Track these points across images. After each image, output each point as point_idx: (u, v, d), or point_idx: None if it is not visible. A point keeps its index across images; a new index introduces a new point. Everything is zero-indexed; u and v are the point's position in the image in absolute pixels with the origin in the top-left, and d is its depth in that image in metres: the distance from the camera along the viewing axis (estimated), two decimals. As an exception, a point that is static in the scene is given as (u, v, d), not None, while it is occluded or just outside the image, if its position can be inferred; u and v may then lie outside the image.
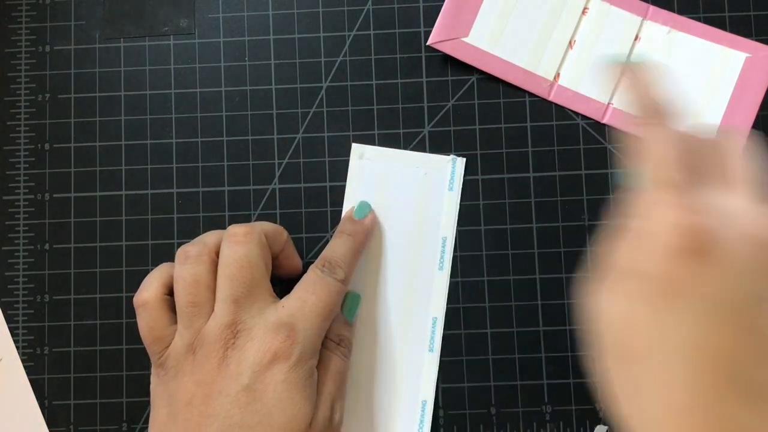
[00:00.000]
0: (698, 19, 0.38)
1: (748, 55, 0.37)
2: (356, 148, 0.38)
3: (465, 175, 0.38)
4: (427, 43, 0.38)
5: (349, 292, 0.36)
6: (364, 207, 0.37)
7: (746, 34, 0.38)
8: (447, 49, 0.38)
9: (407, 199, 0.37)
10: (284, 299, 0.32)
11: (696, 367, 0.21)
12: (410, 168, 0.37)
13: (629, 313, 0.22)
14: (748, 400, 0.20)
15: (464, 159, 0.38)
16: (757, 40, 0.38)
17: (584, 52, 0.38)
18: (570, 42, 0.38)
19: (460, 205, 0.38)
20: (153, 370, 0.32)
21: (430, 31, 0.38)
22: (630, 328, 0.22)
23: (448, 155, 0.37)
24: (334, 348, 0.33)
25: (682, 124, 0.24)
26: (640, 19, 0.38)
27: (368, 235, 0.36)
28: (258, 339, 0.30)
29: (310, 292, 0.32)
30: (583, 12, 0.38)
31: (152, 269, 0.38)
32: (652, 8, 0.38)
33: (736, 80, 0.37)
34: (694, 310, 0.21)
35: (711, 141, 0.24)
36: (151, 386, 0.32)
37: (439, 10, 0.38)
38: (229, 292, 0.30)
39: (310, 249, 0.38)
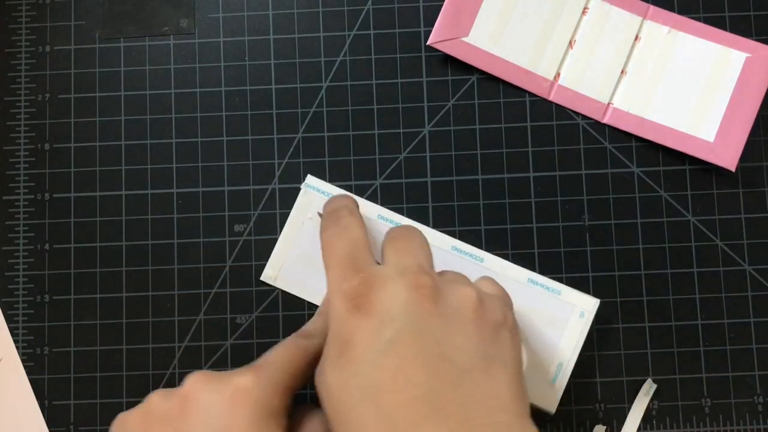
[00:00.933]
0: (698, 19, 0.38)
1: (748, 55, 0.37)
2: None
3: (465, 174, 0.38)
4: (427, 43, 0.38)
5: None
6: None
7: (746, 34, 0.38)
8: (447, 49, 0.38)
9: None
10: None
11: (383, 405, 0.25)
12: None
13: (334, 379, 0.26)
14: (439, 421, 0.24)
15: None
16: (757, 40, 0.38)
17: (585, 52, 0.38)
18: (570, 42, 0.38)
19: (460, 204, 0.38)
20: None
21: (430, 31, 0.38)
22: (336, 392, 0.26)
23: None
24: (300, 338, 0.33)
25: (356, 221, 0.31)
26: (640, 18, 0.38)
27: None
28: (224, 375, 0.30)
29: (292, 347, 0.31)
30: (583, 12, 0.38)
31: (151, 269, 0.38)
32: (652, 8, 0.38)
33: (736, 80, 0.37)
34: (365, 355, 0.26)
35: (386, 234, 0.31)
36: None
37: (439, 10, 0.38)
38: None
39: (310, 249, 0.38)
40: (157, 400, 0.28)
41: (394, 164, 0.38)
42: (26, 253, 0.38)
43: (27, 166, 0.39)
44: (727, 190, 0.38)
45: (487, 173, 0.38)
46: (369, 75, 0.39)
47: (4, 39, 0.40)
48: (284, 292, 0.38)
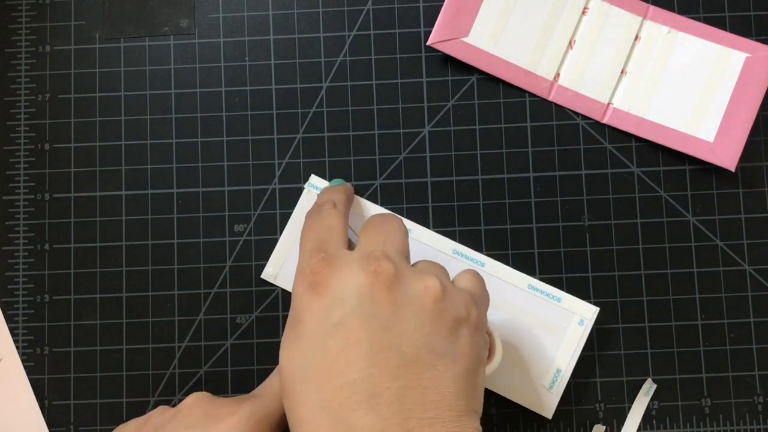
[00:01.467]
0: (698, 19, 0.38)
1: (748, 55, 0.37)
2: None
3: (465, 174, 0.38)
4: (427, 43, 0.38)
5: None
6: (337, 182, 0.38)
7: (746, 34, 0.38)
8: (447, 49, 0.38)
9: None
10: None
11: (321, 386, 0.25)
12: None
13: (284, 353, 0.27)
14: (372, 408, 0.24)
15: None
16: (757, 40, 0.38)
17: (584, 52, 0.38)
18: (570, 42, 0.38)
19: (460, 205, 0.38)
20: None
21: (430, 31, 0.38)
22: (285, 367, 0.27)
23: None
24: None
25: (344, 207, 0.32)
26: (640, 19, 0.38)
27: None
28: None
29: (276, 375, 0.33)
30: (583, 12, 0.38)
31: (151, 269, 0.38)
32: (652, 8, 0.38)
33: (736, 80, 0.37)
34: (312, 333, 0.26)
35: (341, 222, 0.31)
36: None
37: (439, 10, 0.38)
38: None
39: (310, 249, 0.38)
40: (157, 412, 0.31)
41: (394, 164, 0.38)
42: (26, 253, 0.38)
43: (27, 166, 0.39)
44: (727, 190, 0.38)
45: (487, 173, 0.38)
46: (369, 75, 0.39)
47: (4, 39, 0.40)
48: (284, 292, 0.38)
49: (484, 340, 0.28)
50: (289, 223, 0.38)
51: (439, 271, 0.29)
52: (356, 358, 0.25)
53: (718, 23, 0.38)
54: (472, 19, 0.38)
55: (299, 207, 0.38)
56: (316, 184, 0.38)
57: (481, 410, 0.27)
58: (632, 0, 0.38)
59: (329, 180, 0.38)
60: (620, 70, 0.38)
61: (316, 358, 0.25)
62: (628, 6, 0.38)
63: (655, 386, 0.36)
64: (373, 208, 0.37)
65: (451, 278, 0.30)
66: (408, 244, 0.30)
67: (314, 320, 0.26)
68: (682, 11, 0.38)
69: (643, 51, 0.38)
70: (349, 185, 0.36)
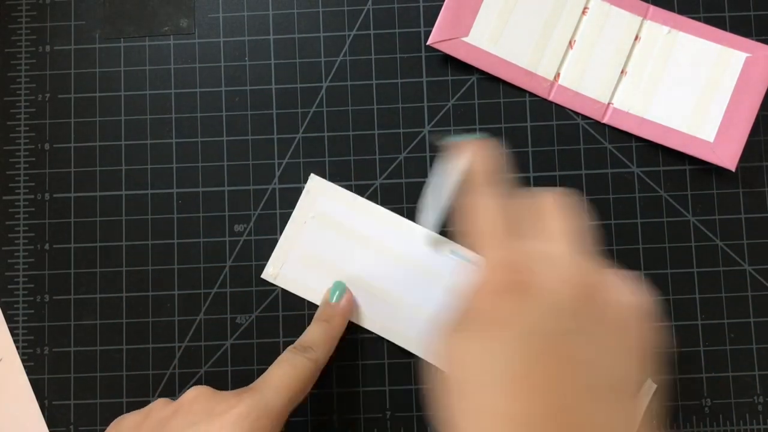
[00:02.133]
0: (698, 19, 0.38)
1: (748, 55, 0.37)
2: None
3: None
4: (427, 43, 0.38)
5: (336, 281, 0.37)
6: (338, 287, 0.37)
7: (746, 34, 0.38)
8: (447, 48, 0.38)
9: None
10: None
11: (517, 398, 0.22)
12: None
13: (466, 351, 0.24)
14: (564, 429, 0.21)
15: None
16: (757, 40, 0.38)
17: (584, 52, 0.38)
18: (570, 42, 0.38)
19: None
20: None
21: (430, 31, 0.38)
22: (466, 363, 0.23)
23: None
24: (298, 352, 0.33)
25: (506, 191, 0.27)
26: (640, 18, 0.38)
27: (345, 317, 0.36)
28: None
29: (276, 367, 0.32)
30: (583, 12, 0.38)
31: (151, 269, 0.38)
32: (652, 8, 0.38)
33: (736, 80, 0.37)
34: (514, 341, 0.22)
35: (531, 202, 0.26)
36: None
37: (439, 10, 0.38)
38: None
39: (310, 249, 0.38)
40: (158, 406, 0.30)
41: (394, 164, 0.38)
42: (26, 253, 0.38)
43: (27, 166, 0.39)
44: (727, 190, 0.38)
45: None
46: (369, 75, 0.39)
47: (4, 39, 0.40)
48: (284, 292, 0.38)
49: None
50: (289, 222, 0.38)
51: (631, 284, 0.25)
52: (543, 381, 0.22)
53: (718, 23, 0.38)
54: (472, 19, 0.38)
55: (299, 208, 0.38)
56: (315, 184, 0.38)
57: None
58: (632, 0, 0.38)
59: (328, 180, 0.38)
60: (620, 70, 0.38)
61: (504, 367, 0.22)
62: (628, 6, 0.38)
63: (655, 386, 0.36)
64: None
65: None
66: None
67: (518, 326, 0.22)
68: (682, 11, 0.38)
69: (643, 51, 0.38)
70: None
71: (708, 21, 0.38)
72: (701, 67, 0.37)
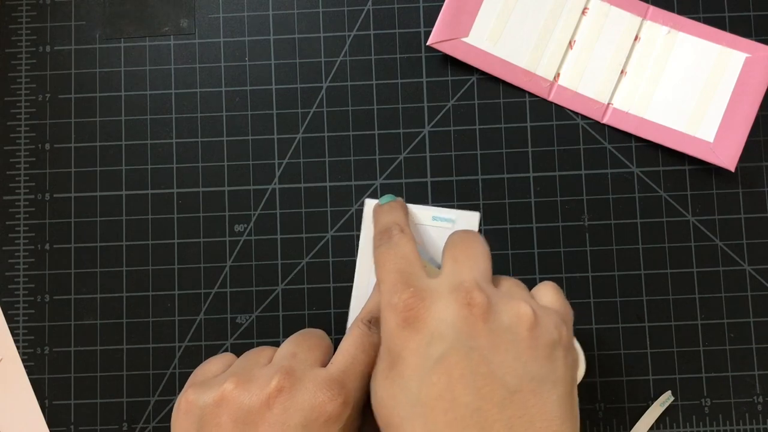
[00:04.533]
0: (698, 19, 0.38)
1: (748, 55, 0.37)
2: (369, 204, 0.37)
3: (465, 174, 0.38)
4: (428, 43, 0.38)
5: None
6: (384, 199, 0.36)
7: (746, 34, 0.38)
8: (447, 49, 0.38)
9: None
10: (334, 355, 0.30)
11: (430, 422, 0.25)
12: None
13: (385, 391, 0.27)
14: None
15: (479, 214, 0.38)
16: (757, 40, 0.38)
17: (584, 52, 0.38)
18: (570, 42, 0.38)
19: (460, 205, 0.38)
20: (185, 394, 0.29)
21: (430, 31, 0.38)
22: (387, 405, 0.27)
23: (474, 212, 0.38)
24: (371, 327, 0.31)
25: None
26: (639, 19, 0.38)
27: (403, 208, 0.36)
28: (309, 392, 0.27)
29: (360, 350, 0.29)
30: (583, 12, 0.38)
31: (151, 269, 0.38)
32: (651, 8, 0.38)
33: (736, 80, 0.37)
34: (414, 370, 0.26)
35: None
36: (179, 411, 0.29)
37: (439, 10, 0.38)
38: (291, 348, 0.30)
39: (310, 249, 0.38)
40: (234, 391, 0.27)
41: (394, 164, 0.38)
42: (26, 253, 0.38)
43: (27, 166, 0.39)
44: (727, 190, 0.38)
45: (487, 173, 0.38)
46: (369, 75, 0.39)
47: (4, 39, 0.40)
48: (284, 292, 0.38)
49: (573, 358, 0.28)
50: (358, 268, 0.37)
51: (525, 293, 0.29)
52: (462, 392, 0.25)
53: (718, 23, 0.38)
54: (472, 19, 0.38)
55: (365, 237, 0.37)
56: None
57: (578, 427, 0.27)
58: (632, 0, 0.38)
59: (327, 180, 0.38)
60: (620, 70, 0.38)
61: (421, 395, 0.25)
62: (627, 6, 0.38)
63: (672, 399, 0.36)
64: (418, 211, 0.37)
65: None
66: (491, 265, 0.30)
67: (415, 357, 0.26)
68: (682, 11, 0.38)
69: (642, 51, 0.38)
70: (401, 200, 0.36)
71: (708, 21, 0.38)
72: (701, 67, 0.37)
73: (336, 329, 0.37)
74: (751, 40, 0.38)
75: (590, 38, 0.38)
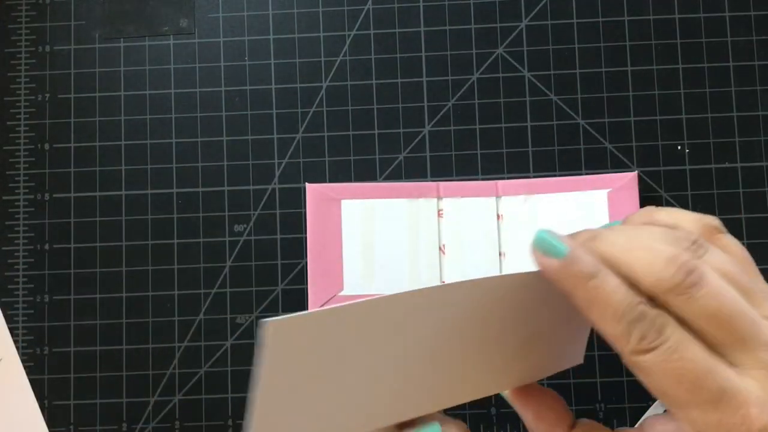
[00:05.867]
0: (698, 19, 0.38)
1: (608, 190, 0.37)
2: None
3: (464, 174, 0.38)
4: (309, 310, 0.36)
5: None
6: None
7: (602, 165, 0.38)
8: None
9: None
10: None
11: None
12: None
13: None
14: None
15: None
16: (612, 172, 0.37)
17: (456, 253, 0.37)
18: (440, 248, 0.37)
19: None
20: None
21: (430, 31, 0.38)
22: None
23: None
24: None
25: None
26: (494, 198, 0.37)
27: None
28: None
29: None
30: (439, 215, 0.37)
31: (151, 269, 0.38)
32: (500, 183, 0.37)
33: (609, 215, 0.36)
34: None
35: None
36: None
37: (440, 10, 0.38)
38: None
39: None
40: None
41: (394, 164, 0.38)
42: (26, 253, 0.38)
43: (27, 166, 0.39)
44: (727, 190, 0.38)
45: (487, 173, 0.38)
46: (369, 75, 0.39)
47: (4, 39, 0.40)
48: (284, 291, 0.38)
49: None
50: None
51: None
52: None
53: (718, 23, 0.38)
54: (340, 272, 0.37)
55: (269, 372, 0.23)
56: None
57: None
58: (479, 184, 0.37)
59: (327, 180, 0.38)
60: (498, 254, 0.37)
61: None
62: (477, 191, 0.37)
63: None
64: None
65: None
66: None
67: None
68: (536, 169, 0.38)
69: (509, 227, 0.37)
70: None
71: (708, 20, 0.38)
72: (571, 217, 0.36)
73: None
74: (607, 173, 0.37)
75: (455, 238, 0.37)
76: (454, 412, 0.37)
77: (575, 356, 0.29)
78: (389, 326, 0.25)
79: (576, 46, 0.39)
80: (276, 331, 0.22)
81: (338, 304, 0.23)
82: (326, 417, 0.25)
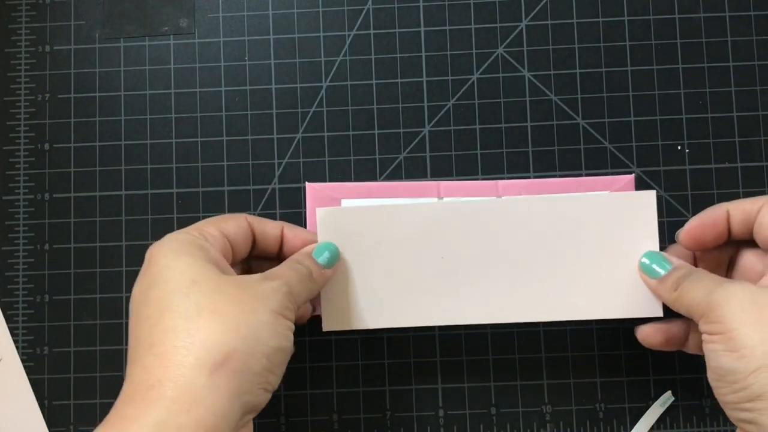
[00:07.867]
0: (698, 19, 0.38)
1: (608, 191, 0.36)
2: None
3: (464, 174, 0.38)
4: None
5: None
6: (328, 248, 0.33)
7: (601, 166, 0.38)
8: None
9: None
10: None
11: None
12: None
13: None
14: None
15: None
16: (612, 172, 0.37)
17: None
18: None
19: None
20: None
21: (430, 31, 0.38)
22: None
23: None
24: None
25: None
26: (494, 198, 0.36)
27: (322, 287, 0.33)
28: None
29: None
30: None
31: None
32: (500, 183, 0.37)
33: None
34: None
35: None
36: None
37: (439, 10, 0.38)
38: None
39: (310, 249, 0.38)
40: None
41: (394, 164, 0.38)
42: (26, 253, 0.38)
43: (27, 166, 0.39)
44: (727, 190, 0.38)
45: (487, 173, 0.38)
46: (369, 75, 0.39)
47: (4, 39, 0.40)
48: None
49: None
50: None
51: None
52: None
53: (718, 23, 0.38)
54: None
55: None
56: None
57: None
58: (480, 184, 0.37)
59: (327, 180, 0.38)
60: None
61: None
62: (477, 191, 0.36)
63: (672, 399, 0.36)
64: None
65: None
66: None
67: None
68: (536, 169, 0.38)
69: None
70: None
71: (707, 21, 0.38)
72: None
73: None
74: (605, 176, 0.36)
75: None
76: (454, 412, 0.37)
77: (653, 306, 0.33)
78: (440, 229, 0.33)
79: (576, 46, 0.39)
80: (324, 216, 0.33)
81: (385, 203, 0.35)
82: (378, 303, 0.33)
